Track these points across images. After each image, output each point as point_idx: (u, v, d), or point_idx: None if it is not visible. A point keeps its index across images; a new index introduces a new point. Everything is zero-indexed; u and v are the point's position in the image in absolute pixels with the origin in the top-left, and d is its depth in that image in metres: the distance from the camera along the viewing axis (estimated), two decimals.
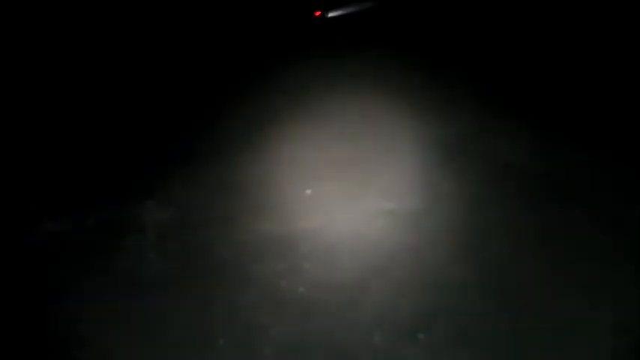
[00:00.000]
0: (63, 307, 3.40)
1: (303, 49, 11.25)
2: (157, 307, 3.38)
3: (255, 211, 4.60)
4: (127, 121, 7.01)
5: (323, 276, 3.60)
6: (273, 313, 3.25)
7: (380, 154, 5.68)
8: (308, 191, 4.87)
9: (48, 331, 3.23)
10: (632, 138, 6.17)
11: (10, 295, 3.52)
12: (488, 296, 3.43)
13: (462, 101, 7.50)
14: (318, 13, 8.27)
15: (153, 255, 3.94)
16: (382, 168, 5.47)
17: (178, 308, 3.35)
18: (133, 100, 7.45)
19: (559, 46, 10.39)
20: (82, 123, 6.35)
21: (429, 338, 3.01)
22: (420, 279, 3.61)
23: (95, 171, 5.46)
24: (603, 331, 3.24)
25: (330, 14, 8.16)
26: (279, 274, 3.67)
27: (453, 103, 7.40)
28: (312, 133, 6.51)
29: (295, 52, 11.13)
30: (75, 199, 4.70)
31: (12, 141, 5.81)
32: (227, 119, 6.96)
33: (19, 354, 3.08)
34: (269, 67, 9.45)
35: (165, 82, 8.47)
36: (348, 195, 4.84)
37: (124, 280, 3.67)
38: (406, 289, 3.48)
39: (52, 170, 5.37)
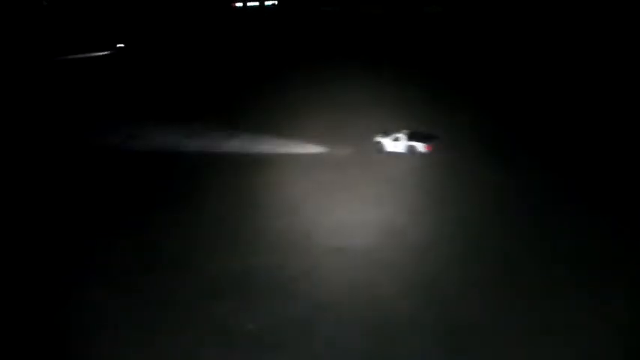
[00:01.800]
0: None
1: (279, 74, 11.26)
2: (106, 344, 3.42)
3: (207, 248, 4.68)
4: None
5: (276, 312, 3.70)
6: (222, 350, 3.32)
7: (333, 189, 5.81)
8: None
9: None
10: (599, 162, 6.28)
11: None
12: (441, 336, 3.53)
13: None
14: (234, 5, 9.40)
15: (106, 291, 3.99)
16: (334, 205, 5.59)
17: (130, 347, 3.38)
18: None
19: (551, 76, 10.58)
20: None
21: None
22: (374, 318, 3.70)
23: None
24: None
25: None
26: (231, 311, 3.75)
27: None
28: (266, 169, 6.58)
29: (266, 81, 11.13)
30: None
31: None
32: (183, 160, 7.00)
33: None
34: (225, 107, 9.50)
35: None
36: (301, 232, 4.95)
37: (76, 318, 3.71)
38: (358, 328, 3.57)
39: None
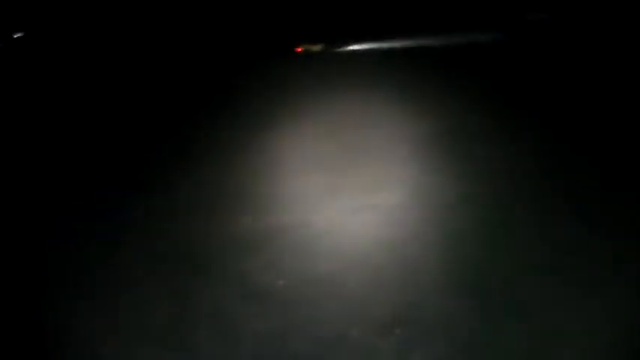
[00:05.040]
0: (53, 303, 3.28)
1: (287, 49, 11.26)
2: (137, 299, 3.38)
3: (235, 204, 4.61)
4: (119, 119, 7.00)
5: (303, 269, 3.64)
6: (254, 306, 3.27)
7: (360, 149, 5.71)
8: None
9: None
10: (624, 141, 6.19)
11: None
12: (465, 293, 3.46)
13: (444, 98, 7.55)
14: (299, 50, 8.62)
15: (134, 247, 3.93)
16: (363, 163, 5.49)
17: (158, 301, 3.34)
18: (126, 98, 7.45)
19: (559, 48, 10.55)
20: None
21: (405, 333, 3.05)
22: (399, 274, 3.65)
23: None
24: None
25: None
26: (259, 268, 3.69)
27: (435, 100, 7.44)
28: (294, 127, 6.51)
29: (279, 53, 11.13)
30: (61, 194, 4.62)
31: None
32: (213, 117, 6.93)
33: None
34: (254, 67, 9.45)
35: (158, 79, 8.44)
36: (329, 189, 4.86)
37: (105, 273, 3.66)
38: (384, 283, 3.52)
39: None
